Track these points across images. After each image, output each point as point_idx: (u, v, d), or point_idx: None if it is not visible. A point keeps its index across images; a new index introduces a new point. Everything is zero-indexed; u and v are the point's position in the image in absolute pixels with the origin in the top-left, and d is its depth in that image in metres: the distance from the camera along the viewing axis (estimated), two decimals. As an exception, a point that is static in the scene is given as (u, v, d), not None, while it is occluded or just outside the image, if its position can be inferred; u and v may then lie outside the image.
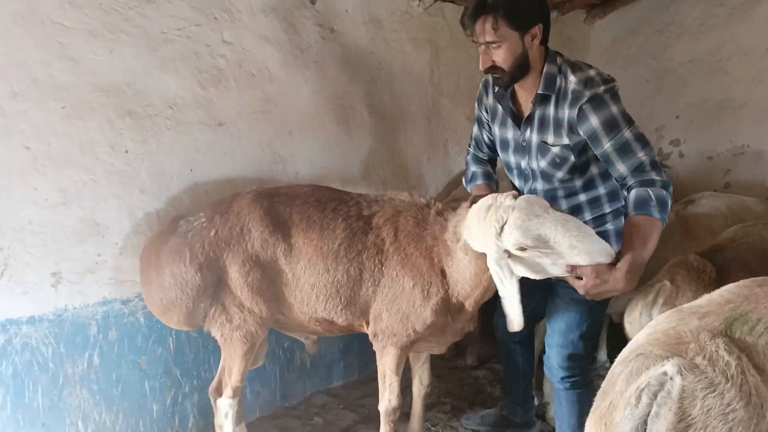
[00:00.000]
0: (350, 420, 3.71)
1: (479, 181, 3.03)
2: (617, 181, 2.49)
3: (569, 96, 2.44)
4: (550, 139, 2.55)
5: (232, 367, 2.95)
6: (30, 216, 2.79)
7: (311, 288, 2.81)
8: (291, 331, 3.28)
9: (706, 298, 1.89)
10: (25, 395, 2.83)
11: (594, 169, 2.63)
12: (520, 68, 2.48)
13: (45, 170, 2.81)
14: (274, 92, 3.63)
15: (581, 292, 2.27)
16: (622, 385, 1.63)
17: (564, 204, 2.71)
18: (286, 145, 3.72)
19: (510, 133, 2.76)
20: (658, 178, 2.34)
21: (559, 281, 2.56)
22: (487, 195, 2.44)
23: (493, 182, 3.03)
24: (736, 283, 1.93)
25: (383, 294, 2.76)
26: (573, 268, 2.23)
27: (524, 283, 2.40)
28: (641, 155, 2.36)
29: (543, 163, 2.63)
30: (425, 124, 4.56)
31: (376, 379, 2.95)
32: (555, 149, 2.55)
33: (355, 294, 2.79)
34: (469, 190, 3.12)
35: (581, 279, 2.23)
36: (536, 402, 3.63)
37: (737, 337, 1.62)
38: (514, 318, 2.38)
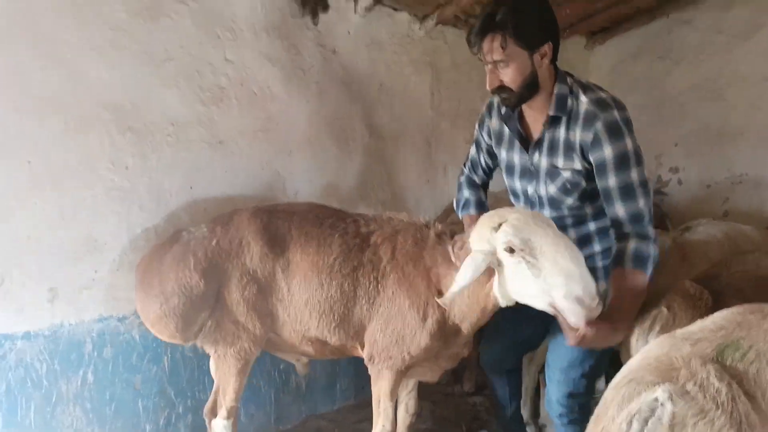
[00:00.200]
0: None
1: (471, 210, 2.94)
2: (611, 221, 2.40)
3: (581, 117, 2.32)
4: (560, 162, 2.44)
5: (226, 387, 2.91)
6: (28, 231, 2.78)
7: (305, 304, 2.77)
8: (283, 353, 3.22)
9: (698, 324, 1.89)
10: (17, 412, 2.80)
11: None
12: (529, 88, 2.37)
13: (44, 185, 2.81)
14: (275, 111, 3.65)
15: (569, 341, 2.25)
16: (614, 411, 1.63)
17: (572, 233, 2.58)
18: (287, 164, 3.73)
19: (517, 157, 2.64)
20: (651, 233, 2.32)
21: None
22: None
23: (484, 208, 2.92)
24: (729, 310, 1.92)
25: (379, 314, 2.73)
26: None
27: (522, 309, 2.39)
28: (642, 204, 2.30)
29: (552, 189, 2.51)
30: (425, 146, 4.58)
31: (371, 403, 2.90)
32: (566, 174, 2.43)
33: (348, 311, 2.75)
34: (460, 216, 3.05)
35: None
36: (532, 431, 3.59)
37: (729, 364, 1.62)
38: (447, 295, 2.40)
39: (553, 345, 2.70)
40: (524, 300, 2.33)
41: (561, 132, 2.40)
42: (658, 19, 5.29)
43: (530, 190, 2.62)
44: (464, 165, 3.03)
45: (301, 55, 3.77)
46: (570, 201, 2.49)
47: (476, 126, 2.86)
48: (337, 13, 3.93)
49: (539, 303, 2.26)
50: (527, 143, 2.56)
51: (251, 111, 3.54)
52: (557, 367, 2.66)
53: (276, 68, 3.64)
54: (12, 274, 2.75)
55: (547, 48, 2.33)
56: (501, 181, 2.92)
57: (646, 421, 1.52)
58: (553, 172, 2.47)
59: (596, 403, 1.78)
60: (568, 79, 2.41)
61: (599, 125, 2.25)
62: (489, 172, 2.94)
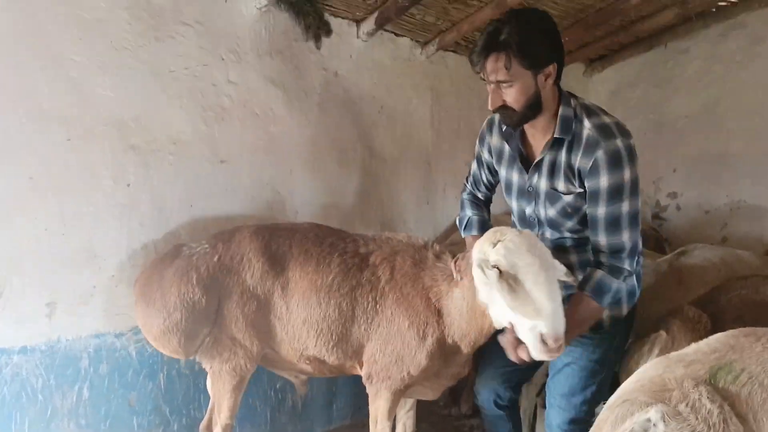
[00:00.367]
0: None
1: (474, 231, 2.85)
2: (591, 245, 2.40)
3: (583, 142, 2.27)
4: (561, 186, 2.38)
5: (221, 403, 2.92)
6: (29, 244, 2.80)
7: (303, 322, 2.79)
8: (281, 370, 3.23)
9: (693, 347, 1.92)
10: (12, 427, 2.79)
11: None
12: (532, 108, 2.29)
13: (46, 199, 2.84)
14: (277, 132, 3.69)
15: (509, 356, 2.29)
16: (608, 431, 1.64)
17: (574, 257, 2.52)
18: (287, 183, 3.76)
19: (516, 177, 2.58)
20: (629, 268, 2.31)
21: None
22: None
23: (486, 228, 2.72)
24: (723, 333, 1.96)
25: (377, 333, 2.74)
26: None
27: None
28: (626, 238, 2.28)
29: (552, 212, 2.46)
30: (425, 167, 4.62)
31: (367, 424, 2.90)
32: (568, 198, 2.37)
33: (346, 331, 2.76)
34: (463, 236, 2.99)
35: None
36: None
37: (721, 386, 1.65)
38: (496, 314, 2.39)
39: (553, 371, 2.66)
40: (491, 313, 2.38)
41: (562, 155, 2.34)
42: (656, 48, 5.36)
43: (528, 210, 2.58)
44: (466, 181, 2.97)
45: (304, 77, 3.83)
46: (570, 224, 2.45)
47: (477, 142, 2.80)
48: (340, 38, 3.99)
49: (503, 321, 2.31)
50: (527, 163, 2.50)
51: (253, 131, 3.58)
52: (558, 393, 2.61)
53: (279, 90, 3.69)
54: (11, 287, 2.77)
55: (551, 68, 2.27)
56: (501, 201, 2.94)
57: None
58: (553, 196, 2.42)
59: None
60: (572, 101, 2.35)
61: (600, 153, 2.21)
62: (491, 188, 2.89)
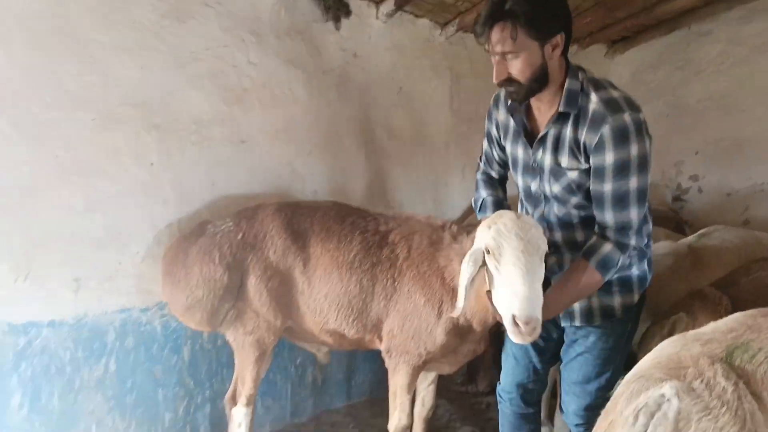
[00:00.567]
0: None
1: (489, 212, 2.73)
2: (597, 221, 2.32)
3: (589, 117, 2.18)
4: (565, 161, 2.30)
5: (244, 375, 3.02)
6: (55, 222, 2.88)
7: (324, 297, 2.88)
8: (302, 342, 3.34)
9: (710, 326, 1.91)
10: (41, 397, 2.89)
11: None
12: (538, 81, 2.21)
13: (71, 178, 2.91)
14: (297, 113, 3.73)
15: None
16: (623, 405, 1.67)
17: (580, 234, 2.44)
18: (306, 164, 3.80)
19: (521, 152, 2.50)
20: (634, 243, 2.26)
21: (579, 329, 2.50)
22: None
23: (503, 208, 2.71)
24: (741, 313, 1.95)
25: (396, 309, 2.80)
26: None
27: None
28: (633, 215, 2.22)
29: (557, 188, 2.38)
30: (443, 149, 4.64)
31: (386, 399, 2.97)
32: (572, 174, 2.30)
33: (366, 306, 2.84)
34: (478, 218, 2.81)
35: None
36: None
37: (737, 365, 1.64)
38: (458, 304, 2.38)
39: (567, 359, 2.62)
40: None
41: (568, 130, 2.26)
42: (679, 30, 5.30)
43: (534, 186, 2.51)
44: (479, 160, 2.90)
45: (323, 58, 3.86)
46: (575, 200, 2.37)
47: (486, 119, 2.73)
48: (359, 19, 4.01)
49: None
50: (532, 138, 2.42)
51: (273, 112, 3.63)
52: (572, 381, 2.58)
53: (298, 71, 3.73)
54: (39, 264, 2.84)
55: (559, 39, 2.19)
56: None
57: (652, 415, 1.55)
58: (557, 171, 2.35)
59: None
60: (580, 74, 2.27)
61: (606, 129, 2.13)
62: (504, 165, 2.79)
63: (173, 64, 3.20)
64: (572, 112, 2.23)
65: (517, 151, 2.52)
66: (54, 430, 2.93)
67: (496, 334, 4.28)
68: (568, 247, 2.47)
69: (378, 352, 2.98)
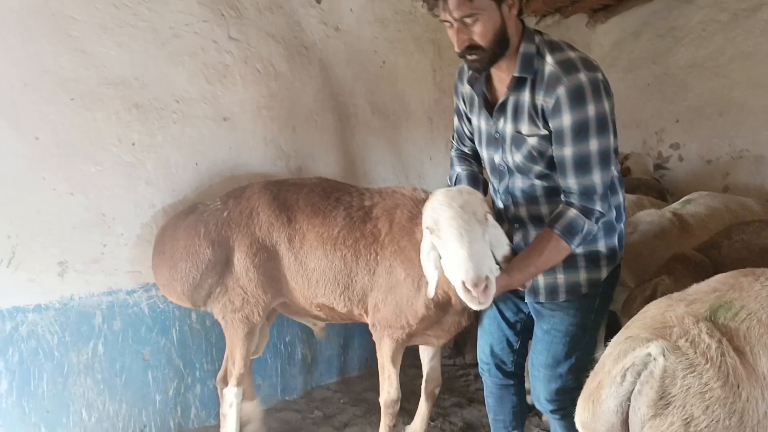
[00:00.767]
0: (350, 414, 3.74)
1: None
2: (561, 189, 2.25)
3: (545, 79, 2.14)
4: (525, 128, 2.23)
5: (234, 352, 3.04)
6: (38, 205, 2.84)
7: (312, 272, 2.91)
8: (296, 316, 3.37)
9: (694, 287, 1.96)
10: (30, 382, 2.87)
11: None
12: (500, 44, 2.14)
13: (53, 160, 2.87)
14: (279, 89, 3.69)
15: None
16: (610, 365, 1.71)
17: (545, 207, 2.36)
18: (290, 141, 3.77)
19: (483, 124, 2.41)
20: (600, 209, 2.18)
21: (544, 306, 2.41)
22: None
23: (480, 185, 2.62)
24: (723, 274, 1.99)
25: (379, 284, 2.82)
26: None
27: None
28: (596, 179, 2.14)
29: (518, 157, 2.29)
30: (427, 123, 4.62)
31: (376, 374, 2.99)
32: (531, 140, 2.22)
33: (351, 281, 2.86)
34: None
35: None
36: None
37: (720, 323, 1.69)
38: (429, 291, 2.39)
39: (534, 339, 2.52)
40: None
41: (526, 95, 2.20)
42: (660, -3, 5.29)
43: (497, 159, 2.41)
44: (452, 138, 2.81)
45: (305, 32, 3.81)
46: (538, 169, 2.28)
47: (453, 95, 2.65)
48: (341, -9, 3.96)
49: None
50: (492, 107, 2.35)
51: (255, 88, 3.58)
52: (541, 365, 2.46)
53: (279, 46, 3.68)
54: (23, 247, 2.81)
55: None
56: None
57: (638, 374, 1.60)
58: (518, 140, 2.27)
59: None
60: (536, 38, 2.21)
61: (561, 90, 2.08)
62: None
63: (152, 42, 3.15)
64: (529, 76, 2.18)
65: (481, 122, 2.44)
66: (44, 415, 2.92)
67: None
68: (533, 221, 2.39)
69: (368, 327, 2.99)
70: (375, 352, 2.96)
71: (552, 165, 2.24)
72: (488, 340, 2.68)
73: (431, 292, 2.39)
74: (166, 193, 3.25)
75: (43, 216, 2.86)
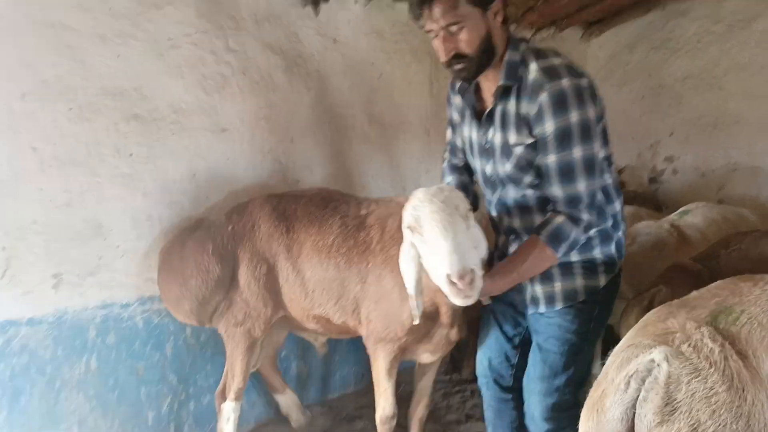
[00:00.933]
0: (345, 430, 3.69)
1: None
2: (548, 198, 2.20)
3: (529, 87, 2.12)
4: (512, 138, 2.20)
5: (234, 366, 3.02)
6: (34, 216, 2.79)
7: (307, 282, 2.90)
8: (298, 331, 3.35)
9: (694, 294, 1.97)
10: (21, 398, 2.81)
11: None
12: (487, 52, 2.13)
13: (50, 171, 2.82)
14: (277, 100, 3.67)
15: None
16: (613, 374, 1.70)
17: (538, 217, 2.29)
18: (288, 152, 3.74)
19: (474, 135, 2.40)
20: (587, 218, 2.13)
21: (542, 316, 2.35)
22: None
23: (469, 195, 2.51)
24: (722, 280, 1.99)
25: (370, 294, 2.78)
26: None
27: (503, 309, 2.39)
28: (581, 187, 2.10)
29: (508, 167, 2.26)
30: (424, 135, 4.60)
31: (371, 390, 2.96)
32: (518, 150, 2.19)
33: (345, 290, 2.83)
34: None
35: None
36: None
37: (722, 327, 1.68)
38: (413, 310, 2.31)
39: (531, 351, 2.45)
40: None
41: (512, 104, 2.18)
42: (655, 10, 5.32)
43: (488, 169, 2.38)
44: (445, 151, 2.80)
45: (302, 44, 3.79)
46: (528, 179, 2.24)
47: (447, 106, 2.63)
48: (338, 3, 3.94)
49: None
50: (481, 117, 2.34)
51: (253, 99, 3.56)
52: (537, 376, 2.38)
53: (278, 57, 3.66)
54: (17, 259, 2.76)
55: (499, 4, 2.13)
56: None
57: (643, 381, 1.59)
58: (506, 149, 2.24)
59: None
60: (522, 45, 2.20)
61: (544, 96, 2.06)
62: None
63: (151, 52, 3.12)
64: (514, 84, 2.17)
65: (472, 133, 2.42)
66: (36, 432, 2.86)
67: (478, 319, 4.31)
68: (527, 232, 2.32)
69: (361, 343, 2.95)
70: (370, 369, 2.92)
71: (541, 174, 2.21)
72: (487, 354, 2.64)
73: (416, 314, 2.31)
74: (163, 205, 3.21)
75: (39, 227, 2.81)
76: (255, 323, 2.97)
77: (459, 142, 2.61)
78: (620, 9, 5.36)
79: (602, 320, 2.43)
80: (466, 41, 2.10)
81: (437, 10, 2.07)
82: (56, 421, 2.91)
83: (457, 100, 2.49)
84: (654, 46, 5.40)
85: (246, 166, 3.54)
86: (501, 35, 2.18)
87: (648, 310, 2.58)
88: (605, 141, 2.23)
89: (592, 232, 2.26)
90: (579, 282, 2.31)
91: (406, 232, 2.21)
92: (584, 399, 2.46)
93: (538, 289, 2.33)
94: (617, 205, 2.34)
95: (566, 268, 2.29)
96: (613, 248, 2.33)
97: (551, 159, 2.10)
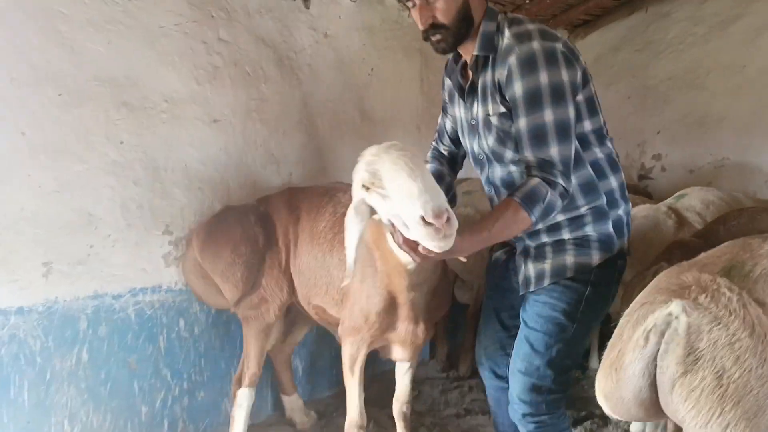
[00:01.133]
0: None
1: None
2: (523, 162, 2.10)
3: (502, 53, 2.08)
4: (491, 109, 2.15)
5: (249, 351, 3.06)
6: (23, 203, 2.73)
7: (305, 270, 2.94)
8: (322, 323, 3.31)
9: (703, 255, 1.94)
10: (10, 390, 2.72)
11: None
12: (464, 22, 2.11)
13: (39, 157, 2.77)
14: (269, 92, 3.65)
15: (416, 259, 2.00)
16: (629, 332, 1.68)
17: None
18: (280, 145, 3.72)
19: (462, 113, 2.36)
20: (562, 183, 2.02)
21: (530, 296, 2.27)
22: None
23: (443, 184, 2.39)
24: (730, 242, 1.97)
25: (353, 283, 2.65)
26: (394, 228, 1.95)
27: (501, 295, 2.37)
28: (554, 152, 2.01)
29: (491, 141, 2.21)
30: (415, 131, 4.61)
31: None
32: (494, 120, 2.15)
33: (331, 278, 2.81)
34: None
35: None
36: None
37: (736, 280, 1.66)
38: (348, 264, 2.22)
39: (520, 329, 2.35)
40: (387, 235, 2.15)
41: (489, 75, 2.15)
42: (637, 13, 5.43)
43: (476, 147, 2.33)
44: (434, 140, 2.77)
45: (294, 37, 3.79)
46: (510, 154, 2.19)
47: (442, 90, 2.60)
48: (329, -2, 3.96)
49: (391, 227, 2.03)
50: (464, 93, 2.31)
51: (245, 91, 3.54)
52: (519, 355, 2.28)
53: (269, 49, 3.65)
54: (6, 247, 2.69)
55: None
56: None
57: (662, 334, 1.57)
58: (487, 122, 2.20)
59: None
60: (499, 16, 2.16)
61: (512, 59, 2.02)
62: (455, 140, 2.60)
63: (142, 40, 3.09)
64: (490, 54, 2.13)
65: (460, 112, 2.38)
66: (24, 425, 2.77)
67: (474, 316, 4.28)
68: None
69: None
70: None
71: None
72: (483, 342, 2.60)
73: (350, 267, 2.20)
74: (155, 195, 3.16)
75: (27, 214, 2.74)
76: (269, 307, 3.02)
77: (448, 126, 2.58)
78: (604, 11, 5.47)
79: (596, 304, 2.26)
80: (443, 11, 2.09)
81: None
82: (46, 414, 2.82)
83: (448, 82, 2.46)
84: (637, 49, 5.49)
85: (238, 157, 3.51)
86: (479, 6, 2.16)
87: (652, 285, 2.58)
88: (593, 112, 2.17)
89: (584, 209, 2.19)
90: (569, 259, 2.22)
91: (358, 194, 2.06)
92: (567, 389, 2.33)
93: (531, 269, 2.27)
94: (613, 182, 2.24)
95: (558, 244, 2.24)
96: (610, 227, 2.23)
97: (522, 123, 2.04)
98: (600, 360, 3.13)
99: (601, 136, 2.21)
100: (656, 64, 5.34)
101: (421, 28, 2.15)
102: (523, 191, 2.00)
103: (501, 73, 2.06)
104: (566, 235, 2.22)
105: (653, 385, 1.61)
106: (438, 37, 2.14)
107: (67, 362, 2.89)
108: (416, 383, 3.36)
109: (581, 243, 2.21)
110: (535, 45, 2.00)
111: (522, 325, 2.30)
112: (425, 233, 1.80)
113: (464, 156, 2.61)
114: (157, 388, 3.22)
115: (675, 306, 1.55)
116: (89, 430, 2.97)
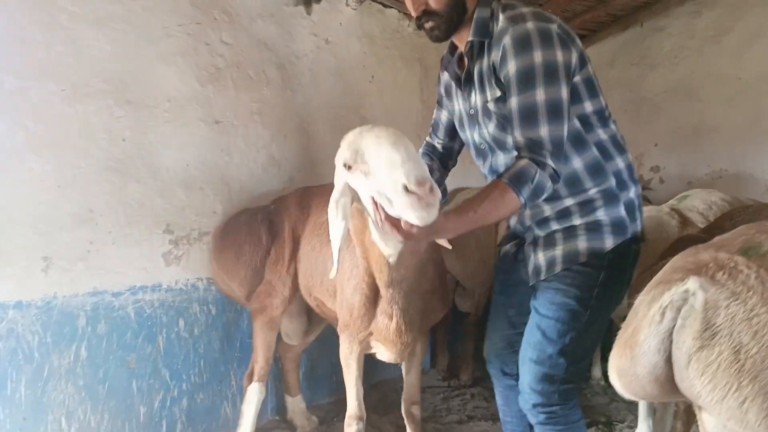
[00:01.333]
0: (343, 432, 3.57)
1: None
2: (513, 144, 2.05)
3: (496, 37, 2.05)
4: (489, 94, 2.12)
5: (257, 346, 3.11)
6: (24, 197, 2.72)
7: (305, 263, 3.02)
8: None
9: (717, 238, 1.90)
10: (7, 385, 2.69)
11: None
12: (457, 9, 2.09)
13: (41, 151, 2.77)
14: (270, 95, 3.67)
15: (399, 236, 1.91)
16: (644, 310, 1.64)
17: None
18: (281, 148, 3.73)
19: (461, 104, 2.33)
20: (552, 164, 1.96)
21: (541, 284, 2.20)
22: None
23: (432, 176, 2.27)
24: (744, 226, 1.95)
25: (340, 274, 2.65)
26: (377, 206, 1.90)
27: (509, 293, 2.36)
28: (543, 131, 1.95)
29: (492, 128, 2.17)
30: (415, 139, 4.57)
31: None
32: (491, 106, 2.12)
33: (326, 268, 2.81)
34: None
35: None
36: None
37: (753, 259, 1.64)
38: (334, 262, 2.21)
39: (530, 317, 2.28)
40: (369, 218, 2.11)
41: (485, 60, 2.11)
42: (632, 28, 5.49)
43: (477, 137, 2.29)
44: (428, 136, 2.73)
45: (296, 42, 3.83)
46: (510, 140, 2.11)
47: (436, 86, 2.58)
48: (330, 5, 4.01)
49: (371, 208, 1.97)
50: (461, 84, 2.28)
51: (247, 93, 3.56)
52: (530, 343, 2.20)
53: (271, 53, 3.68)
54: (5, 241, 2.68)
55: None
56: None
57: (678, 310, 1.54)
58: (486, 110, 2.16)
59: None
60: (493, 3, 2.12)
61: (507, 39, 1.98)
62: (449, 134, 2.57)
63: (145, 39, 3.12)
64: (485, 40, 2.10)
65: (459, 104, 2.36)
66: (20, 422, 2.72)
67: (476, 324, 4.26)
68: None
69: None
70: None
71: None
72: (492, 339, 2.55)
73: (334, 243, 2.15)
74: (156, 193, 3.16)
75: (28, 208, 2.74)
76: (275, 301, 3.09)
77: (444, 118, 2.56)
78: (599, 26, 5.53)
79: (610, 290, 2.18)
80: None
81: None
82: (43, 412, 2.78)
83: (444, 76, 2.44)
84: (632, 62, 5.55)
85: (240, 158, 3.52)
86: None
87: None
88: (593, 93, 2.14)
89: (593, 192, 2.13)
90: (582, 244, 2.15)
91: (340, 176, 2.04)
92: (580, 379, 2.28)
93: (540, 257, 2.21)
94: (620, 163, 2.18)
95: (569, 230, 2.17)
96: (622, 210, 2.16)
97: (513, 102, 1.99)
98: (602, 370, 3.09)
99: (603, 117, 2.18)
100: (651, 77, 5.40)
101: (413, 15, 2.14)
102: (511, 172, 1.95)
103: (496, 55, 2.04)
104: (577, 220, 2.16)
105: (668, 361, 1.58)
106: (431, 24, 2.12)
107: (65, 359, 2.86)
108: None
109: (593, 227, 2.15)
110: (530, 25, 1.97)
111: (533, 313, 2.23)
112: (407, 202, 1.75)
113: (459, 150, 2.60)
114: (156, 389, 3.18)
115: (692, 283, 1.53)
116: (86, 428, 2.92)
